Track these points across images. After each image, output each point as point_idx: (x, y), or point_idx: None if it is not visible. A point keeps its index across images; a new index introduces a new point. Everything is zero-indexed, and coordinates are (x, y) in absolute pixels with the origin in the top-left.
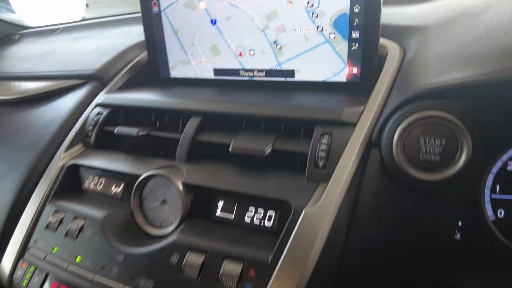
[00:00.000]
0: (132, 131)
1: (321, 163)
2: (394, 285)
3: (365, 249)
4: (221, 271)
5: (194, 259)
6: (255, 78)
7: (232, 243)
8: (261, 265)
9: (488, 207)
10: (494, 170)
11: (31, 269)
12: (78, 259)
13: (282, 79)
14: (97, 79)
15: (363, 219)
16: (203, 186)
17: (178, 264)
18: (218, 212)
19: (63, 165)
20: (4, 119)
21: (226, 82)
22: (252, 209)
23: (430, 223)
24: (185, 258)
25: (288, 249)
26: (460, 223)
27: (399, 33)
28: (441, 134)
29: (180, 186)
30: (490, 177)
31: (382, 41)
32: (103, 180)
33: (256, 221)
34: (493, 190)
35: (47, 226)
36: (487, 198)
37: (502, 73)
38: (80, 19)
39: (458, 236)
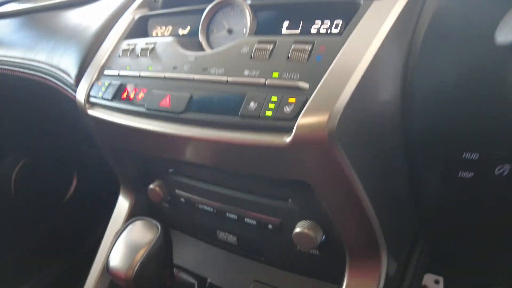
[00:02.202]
0: None
1: None
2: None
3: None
4: (291, 49)
5: (264, 46)
6: None
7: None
8: (330, 43)
9: None
10: None
11: (106, 83)
12: (150, 68)
13: None
14: None
15: None
16: (269, 4)
17: (248, 53)
18: (284, 30)
19: (133, 17)
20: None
21: None
22: (318, 21)
23: None
24: (254, 46)
25: (356, 31)
26: None
27: None
28: None
29: (246, 8)
30: None
31: None
32: (170, 27)
33: (322, 31)
34: None
35: (119, 56)
36: None
37: None
38: None
39: None
